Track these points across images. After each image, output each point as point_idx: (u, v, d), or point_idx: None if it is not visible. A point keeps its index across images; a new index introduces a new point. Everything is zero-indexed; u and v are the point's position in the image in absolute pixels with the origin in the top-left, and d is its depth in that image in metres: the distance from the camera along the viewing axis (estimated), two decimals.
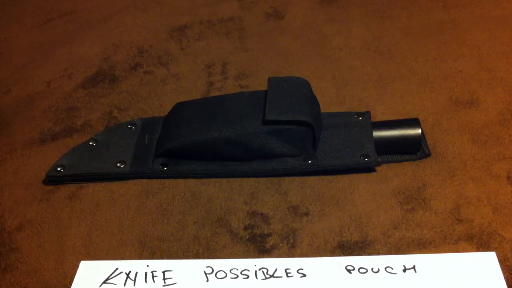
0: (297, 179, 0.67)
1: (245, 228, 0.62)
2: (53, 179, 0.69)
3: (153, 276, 0.58)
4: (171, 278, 0.57)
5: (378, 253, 0.58)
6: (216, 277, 0.57)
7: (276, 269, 0.57)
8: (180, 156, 0.68)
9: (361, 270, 0.56)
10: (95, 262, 0.59)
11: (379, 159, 0.66)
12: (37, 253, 0.61)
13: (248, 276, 0.57)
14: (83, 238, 0.62)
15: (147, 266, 0.59)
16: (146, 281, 0.57)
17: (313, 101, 0.70)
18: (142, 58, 0.91)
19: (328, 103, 0.77)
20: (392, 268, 0.56)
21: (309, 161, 0.66)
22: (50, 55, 0.94)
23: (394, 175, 0.66)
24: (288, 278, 0.56)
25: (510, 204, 0.61)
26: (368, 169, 0.67)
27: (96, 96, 0.83)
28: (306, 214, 0.63)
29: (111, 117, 0.79)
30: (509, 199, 0.62)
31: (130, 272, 0.58)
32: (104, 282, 0.57)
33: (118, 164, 0.69)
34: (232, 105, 0.70)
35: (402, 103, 0.76)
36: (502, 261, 0.56)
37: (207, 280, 0.57)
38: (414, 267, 0.56)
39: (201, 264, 0.58)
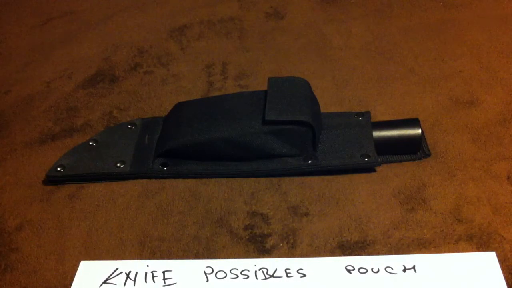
0: (297, 179, 0.67)
1: (245, 228, 0.62)
2: (53, 179, 0.69)
3: (153, 276, 0.58)
4: (171, 278, 0.57)
5: (378, 253, 0.58)
6: (216, 277, 0.57)
7: (276, 269, 0.57)
8: (180, 156, 0.68)
9: (361, 270, 0.56)
10: (95, 262, 0.59)
11: (379, 159, 0.66)
12: (37, 253, 0.61)
13: (248, 276, 0.57)
14: (83, 238, 0.62)
15: (147, 266, 0.59)
16: (146, 281, 0.57)
17: (313, 101, 0.70)
18: (142, 58, 0.91)
19: (328, 103, 0.77)
20: (392, 268, 0.56)
21: (309, 161, 0.66)
22: (50, 55, 0.94)
23: (394, 175, 0.66)
24: (288, 278, 0.56)
25: (510, 204, 0.61)
26: (368, 169, 0.66)
27: (96, 96, 0.83)
28: (306, 214, 0.63)
29: (111, 117, 0.79)
30: (509, 199, 0.62)
31: (130, 272, 0.58)
32: (104, 282, 0.57)
33: (118, 164, 0.69)
34: (232, 105, 0.70)
35: (402, 103, 0.76)
36: (502, 261, 0.56)
37: (207, 280, 0.57)
38: (414, 267, 0.56)
39: (201, 264, 0.58)
